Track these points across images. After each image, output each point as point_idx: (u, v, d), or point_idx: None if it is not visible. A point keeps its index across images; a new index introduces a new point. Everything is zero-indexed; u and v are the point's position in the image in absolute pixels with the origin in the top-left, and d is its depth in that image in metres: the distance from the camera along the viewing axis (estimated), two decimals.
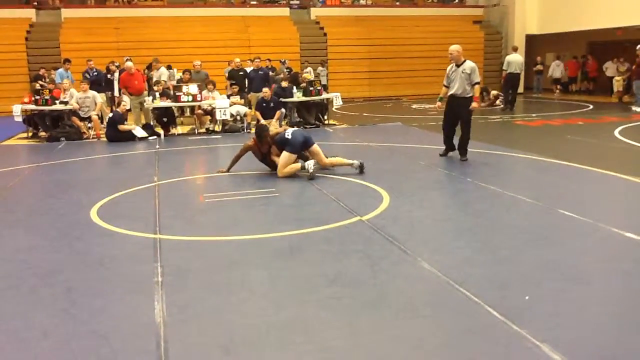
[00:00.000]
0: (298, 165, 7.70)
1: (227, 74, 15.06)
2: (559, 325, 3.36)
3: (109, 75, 14.97)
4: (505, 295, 3.79)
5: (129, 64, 13.24)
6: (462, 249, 4.77)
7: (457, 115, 8.63)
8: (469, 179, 7.32)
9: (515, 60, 16.15)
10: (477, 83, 8.47)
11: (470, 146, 8.67)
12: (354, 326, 3.43)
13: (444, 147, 8.93)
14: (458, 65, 8.45)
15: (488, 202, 6.26)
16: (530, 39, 22.77)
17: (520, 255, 4.55)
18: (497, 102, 17.49)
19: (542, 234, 5.11)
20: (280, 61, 17.14)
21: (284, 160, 7.69)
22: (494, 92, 17.99)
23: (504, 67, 16.42)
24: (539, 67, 21.22)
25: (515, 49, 16.98)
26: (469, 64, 8.44)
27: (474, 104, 8.46)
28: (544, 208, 5.89)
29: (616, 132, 11.30)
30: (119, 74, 13.85)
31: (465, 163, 8.33)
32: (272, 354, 3.16)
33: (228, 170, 8.05)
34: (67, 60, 15.10)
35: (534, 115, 14.83)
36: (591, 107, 16.70)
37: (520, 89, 17.64)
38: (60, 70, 15.00)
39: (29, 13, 20.51)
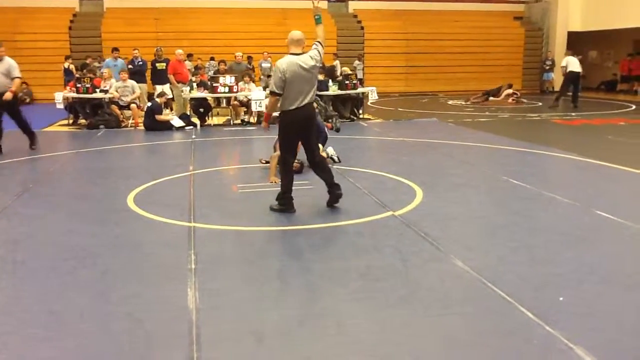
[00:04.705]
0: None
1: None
2: (594, 328, 3.30)
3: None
4: (540, 296, 3.73)
5: (180, 51, 13.63)
6: (497, 247, 4.72)
7: None
8: (505, 177, 7.22)
9: (574, 60, 15.90)
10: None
11: (506, 144, 8.41)
12: (384, 320, 3.43)
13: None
14: None
15: (524, 201, 6.16)
16: (572, 36, 22.23)
17: (556, 256, 4.47)
18: (510, 100, 17.71)
19: (579, 234, 5.01)
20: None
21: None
22: (508, 91, 18.15)
23: (562, 65, 16.12)
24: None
25: (568, 54, 16.69)
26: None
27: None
28: (582, 209, 5.77)
29: None
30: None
31: (503, 160, 8.09)
32: (303, 344, 3.18)
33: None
34: (115, 49, 15.33)
35: (573, 114, 14.51)
36: (633, 107, 16.26)
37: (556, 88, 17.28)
38: (108, 59, 15.28)
39: (73, 3, 20.95)
